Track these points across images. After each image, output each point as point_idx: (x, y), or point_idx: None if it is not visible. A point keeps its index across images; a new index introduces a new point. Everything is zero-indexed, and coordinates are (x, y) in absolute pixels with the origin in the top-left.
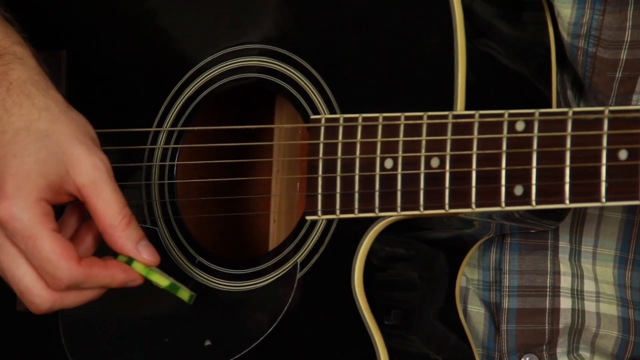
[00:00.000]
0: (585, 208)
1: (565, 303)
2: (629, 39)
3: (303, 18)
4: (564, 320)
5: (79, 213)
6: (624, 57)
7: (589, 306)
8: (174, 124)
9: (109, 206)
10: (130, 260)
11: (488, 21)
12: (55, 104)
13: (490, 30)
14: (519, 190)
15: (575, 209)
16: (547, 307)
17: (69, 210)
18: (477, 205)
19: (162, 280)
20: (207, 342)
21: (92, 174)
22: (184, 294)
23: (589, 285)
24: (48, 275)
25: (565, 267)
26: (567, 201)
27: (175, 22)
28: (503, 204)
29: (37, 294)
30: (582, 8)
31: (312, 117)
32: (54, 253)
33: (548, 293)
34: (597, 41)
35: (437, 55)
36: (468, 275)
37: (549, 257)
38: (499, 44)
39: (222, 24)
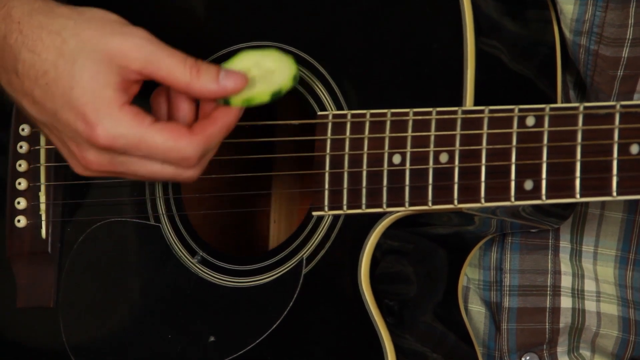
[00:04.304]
0: (587, 208)
1: (566, 302)
2: (630, 37)
3: (310, 15)
4: (564, 320)
5: (164, 93)
6: (626, 55)
7: (590, 306)
8: None
9: (173, 70)
10: (226, 100)
11: (496, 19)
12: (67, 19)
13: (498, 28)
14: (529, 184)
15: (576, 209)
16: (548, 306)
17: (154, 98)
18: (487, 200)
19: (263, 97)
20: (211, 338)
21: (140, 55)
22: (286, 84)
23: (589, 285)
24: (177, 162)
25: (565, 266)
26: (578, 195)
27: (183, 20)
28: (513, 199)
29: (186, 175)
30: (584, 5)
31: (319, 113)
32: (168, 140)
33: (548, 292)
34: (599, 38)
35: (446, 52)
36: (469, 275)
37: (549, 257)
38: (506, 42)
39: (229, 23)
